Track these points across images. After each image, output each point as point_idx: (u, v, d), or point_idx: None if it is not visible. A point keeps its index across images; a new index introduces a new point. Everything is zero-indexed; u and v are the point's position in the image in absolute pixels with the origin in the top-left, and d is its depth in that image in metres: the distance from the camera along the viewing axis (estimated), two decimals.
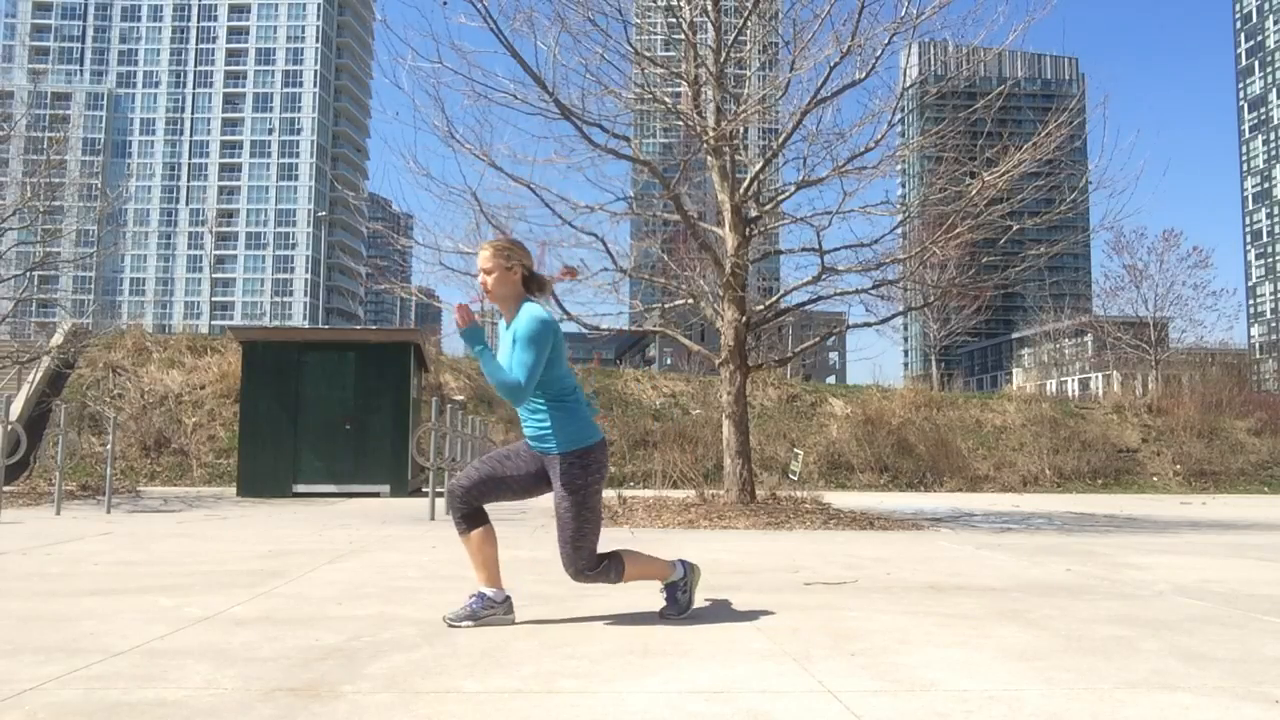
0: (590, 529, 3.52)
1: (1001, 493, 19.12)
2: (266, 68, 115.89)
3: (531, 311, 3.51)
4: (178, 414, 19.04)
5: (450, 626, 3.48)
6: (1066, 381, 63.73)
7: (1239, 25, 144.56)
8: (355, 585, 4.64)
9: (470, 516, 3.59)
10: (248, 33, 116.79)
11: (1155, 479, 21.62)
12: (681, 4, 9.93)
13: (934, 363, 44.72)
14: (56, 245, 18.78)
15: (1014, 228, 9.99)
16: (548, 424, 3.54)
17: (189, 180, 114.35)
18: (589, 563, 3.51)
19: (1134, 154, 32.99)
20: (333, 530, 8.07)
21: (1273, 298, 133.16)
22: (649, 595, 3.99)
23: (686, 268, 12.20)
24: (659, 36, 12.53)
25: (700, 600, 4.19)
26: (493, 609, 3.58)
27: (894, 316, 11.82)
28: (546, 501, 3.81)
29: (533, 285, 3.66)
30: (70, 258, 25.94)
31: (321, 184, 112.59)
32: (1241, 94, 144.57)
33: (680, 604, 3.78)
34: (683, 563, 3.85)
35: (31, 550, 6.13)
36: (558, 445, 3.52)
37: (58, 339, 20.32)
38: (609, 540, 4.15)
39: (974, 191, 9.67)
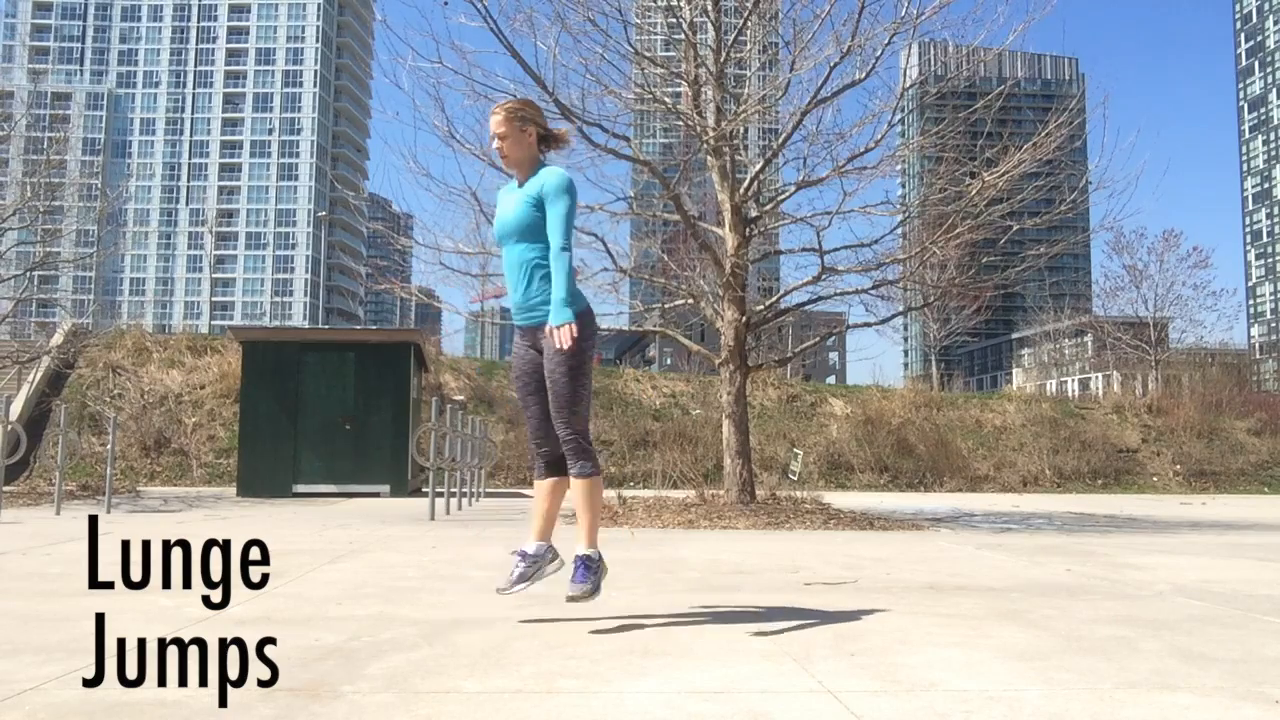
0: (585, 393, 3.53)
1: (1001, 493, 19.13)
2: (266, 68, 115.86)
3: (554, 171, 3.58)
4: (178, 414, 19.05)
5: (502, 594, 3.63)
6: (1066, 381, 63.71)
7: (1239, 25, 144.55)
8: (355, 585, 4.64)
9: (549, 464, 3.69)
10: (248, 33, 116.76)
11: (1155, 479, 21.63)
12: (681, 4, 9.93)
13: (934, 363, 44.74)
14: (56, 245, 18.80)
15: (1014, 228, 9.99)
16: (540, 296, 3.56)
17: (189, 180, 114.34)
18: (585, 428, 3.52)
19: (1134, 154, 33.12)
20: (333, 530, 8.07)
21: (1273, 298, 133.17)
22: (650, 596, 3.99)
23: (686, 268, 12.20)
24: (659, 36, 12.53)
25: (701, 600, 4.19)
26: (537, 564, 3.69)
27: (894, 316, 11.83)
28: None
29: (550, 142, 3.69)
30: (70, 258, 25.99)
31: (321, 184, 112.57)
32: (1241, 94, 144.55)
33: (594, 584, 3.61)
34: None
35: (31, 550, 6.13)
36: (547, 314, 3.54)
37: (58, 339, 20.34)
38: (603, 542, 4.12)
39: (974, 191, 9.67)
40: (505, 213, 3.66)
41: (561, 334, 3.41)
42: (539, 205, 3.55)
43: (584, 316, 3.55)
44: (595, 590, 3.51)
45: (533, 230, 3.56)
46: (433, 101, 10.27)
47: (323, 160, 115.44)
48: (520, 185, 3.66)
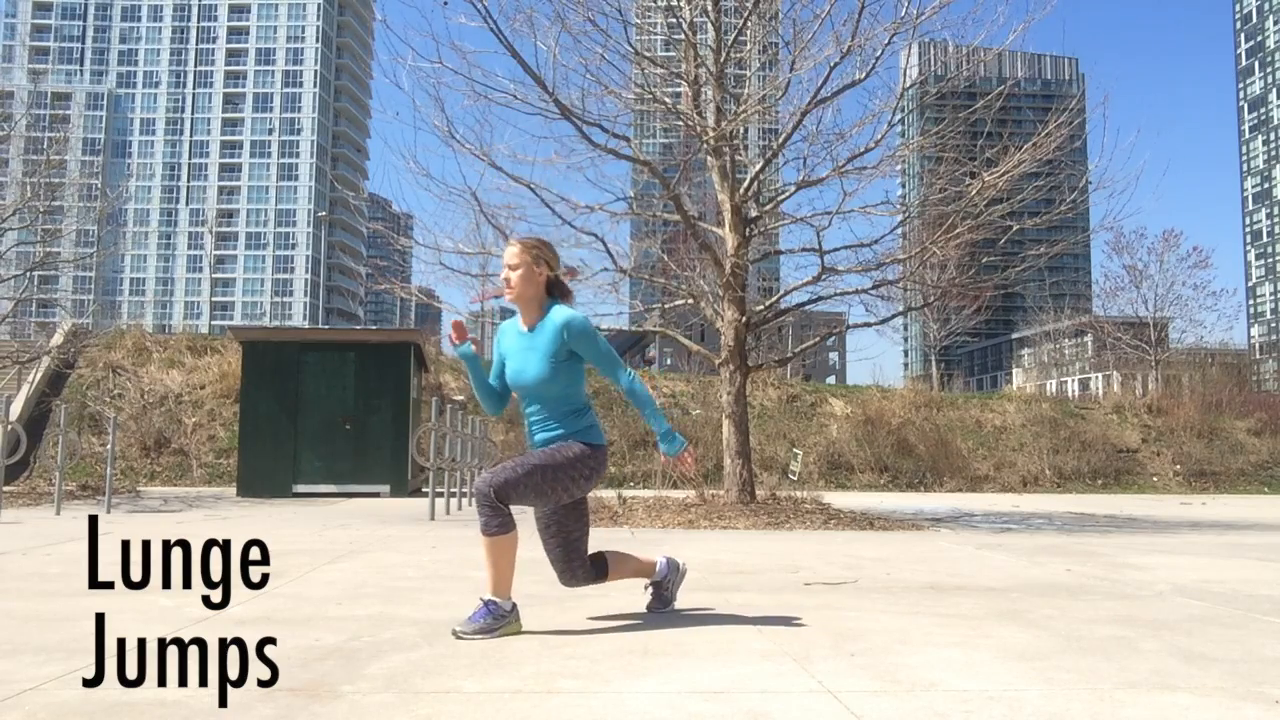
0: (532, 485, 3.40)
1: (1001, 493, 19.12)
2: (266, 68, 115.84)
3: (571, 314, 3.51)
4: (178, 414, 19.04)
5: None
6: (1066, 382, 63.71)
7: (1239, 25, 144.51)
8: (355, 585, 4.64)
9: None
10: (248, 33, 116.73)
11: (1155, 479, 21.62)
12: (681, 4, 9.93)
13: (934, 363, 44.74)
14: (56, 245, 18.81)
15: (1014, 228, 9.99)
16: (560, 429, 3.51)
17: (189, 180, 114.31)
18: (506, 502, 3.39)
19: (1134, 154, 33.15)
20: (333, 530, 8.07)
21: (1273, 298, 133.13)
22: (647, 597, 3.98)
23: (686, 268, 12.19)
24: (659, 36, 12.53)
25: (701, 600, 4.19)
26: (669, 582, 3.87)
27: (894, 316, 11.83)
28: None
29: (556, 290, 3.61)
30: (70, 258, 26.01)
31: (321, 184, 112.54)
32: (1241, 94, 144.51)
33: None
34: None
35: (31, 550, 6.13)
36: (565, 438, 3.50)
37: (58, 339, 20.34)
38: (604, 541, 4.12)
39: (974, 191, 9.67)
40: (521, 367, 3.53)
41: (686, 460, 3.68)
42: (554, 356, 3.46)
43: (598, 452, 3.51)
44: (486, 632, 3.30)
45: (551, 382, 3.48)
46: (433, 101, 10.30)
47: (323, 160, 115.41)
48: (528, 328, 3.56)
